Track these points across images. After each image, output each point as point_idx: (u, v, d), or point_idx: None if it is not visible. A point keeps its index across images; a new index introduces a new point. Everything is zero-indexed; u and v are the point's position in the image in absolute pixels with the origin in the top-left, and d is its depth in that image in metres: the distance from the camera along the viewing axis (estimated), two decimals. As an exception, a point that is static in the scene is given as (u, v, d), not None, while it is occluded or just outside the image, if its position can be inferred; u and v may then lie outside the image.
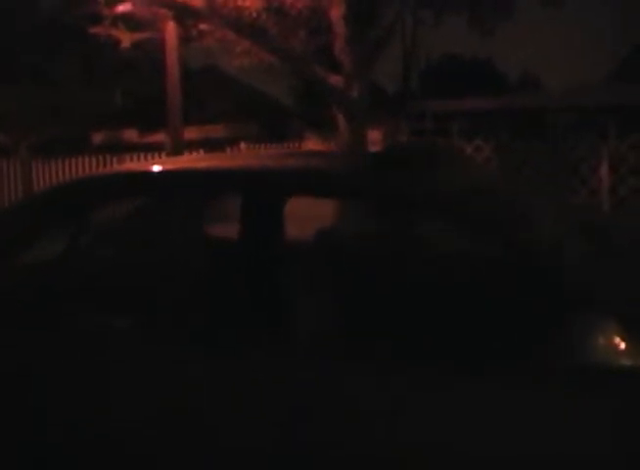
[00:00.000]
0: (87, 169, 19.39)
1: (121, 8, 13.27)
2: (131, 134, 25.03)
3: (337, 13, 13.26)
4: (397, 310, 3.02)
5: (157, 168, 3.54)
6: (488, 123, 22.26)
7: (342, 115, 13.76)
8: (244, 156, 4.91)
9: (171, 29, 14.70)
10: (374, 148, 16.20)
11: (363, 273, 3.29)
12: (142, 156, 20.20)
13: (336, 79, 13.46)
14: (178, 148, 16.04)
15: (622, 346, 2.46)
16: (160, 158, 17.89)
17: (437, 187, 3.06)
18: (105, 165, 19.32)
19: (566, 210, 4.49)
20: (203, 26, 13.63)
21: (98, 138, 25.22)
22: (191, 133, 17.90)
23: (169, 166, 3.74)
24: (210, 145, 20.69)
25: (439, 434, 2.70)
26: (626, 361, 2.48)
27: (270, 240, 2.99)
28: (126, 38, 15.05)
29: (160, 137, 20.48)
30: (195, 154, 16.27)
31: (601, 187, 16.86)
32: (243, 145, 20.10)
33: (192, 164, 3.78)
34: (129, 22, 14.17)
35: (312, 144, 21.34)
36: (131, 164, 4.48)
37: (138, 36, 15.48)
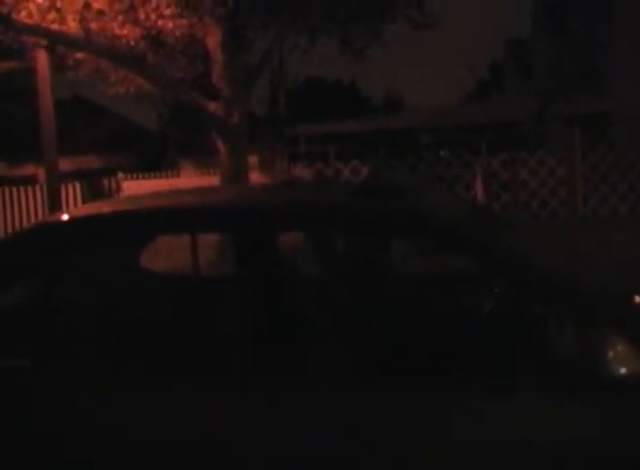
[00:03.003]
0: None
1: (-12, 35, 12.78)
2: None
3: (214, 40, 13.23)
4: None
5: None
6: (361, 145, 22.71)
7: (222, 141, 13.71)
8: (219, 191, 4.62)
9: (43, 58, 14.28)
10: (253, 173, 16.21)
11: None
12: (14, 189, 19.58)
13: (215, 106, 13.42)
14: (53, 181, 15.56)
15: (629, 357, 2.57)
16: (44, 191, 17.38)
17: (428, 211, 3.12)
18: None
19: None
20: (77, 55, 13.32)
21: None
22: (64, 164, 17.42)
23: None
24: (86, 176, 20.23)
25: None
26: (633, 372, 2.59)
27: (270, 275, 2.92)
28: (-7, 67, 14.58)
29: (30, 169, 19.92)
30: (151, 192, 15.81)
31: (476, 203, 17.42)
32: (121, 175, 19.73)
33: (174, 201, 3.53)
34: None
35: (190, 172, 21.20)
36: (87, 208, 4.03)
37: (6, 65, 15.01)
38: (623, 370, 2.64)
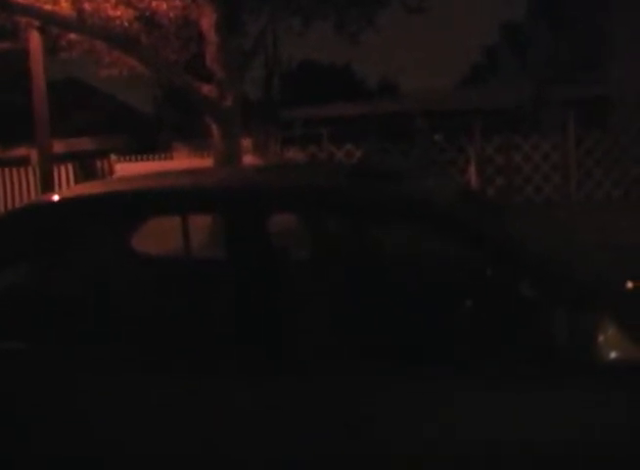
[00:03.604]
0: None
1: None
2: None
3: (208, 22, 13.17)
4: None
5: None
6: (356, 129, 22.65)
7: (215, 124, 13.68)
8: (212, 172, 4.51)
9: (36, 39, 14.18)
10: (246, 156, 16.18)
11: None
12: (7, 170, 19.52)
13: (209, 89, 13.37)
14: (46, 162, 15.50)
15: (620, 342, 2.57)
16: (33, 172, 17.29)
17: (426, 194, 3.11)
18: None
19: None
20: (70, 36, 13.24)
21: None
22: (57, 146, 17.37)
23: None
24: (79, 158, 20.14)
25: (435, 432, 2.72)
26: (625, 357, 2.59)
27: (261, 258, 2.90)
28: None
29: (23, 151, 19.82)
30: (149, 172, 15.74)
31: (470, 187, 17.40)
32: (113, 157, 19.66)
33: (168, 182, 3.50)
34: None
35: (183, 154, 21.13)
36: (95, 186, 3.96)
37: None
38: (614, 355, 2.64)
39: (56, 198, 3.47)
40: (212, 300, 3.25)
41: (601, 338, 2.60)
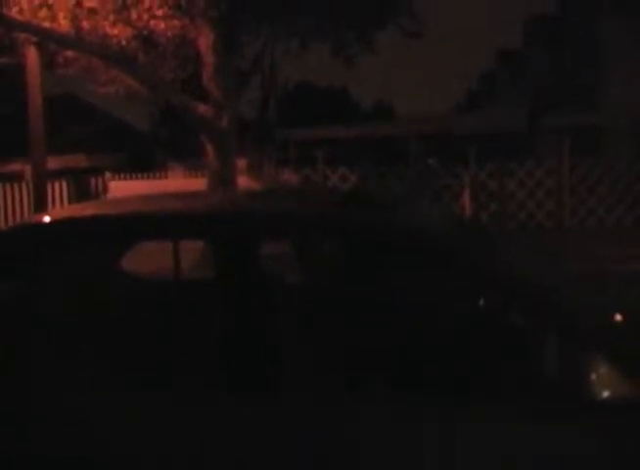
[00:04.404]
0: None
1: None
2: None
3: (205, 42, 13.22)
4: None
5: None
6: (351, 151, 22.71)
7: (210, 144, 13.70)
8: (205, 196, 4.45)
9: (33, 55, 14.19)
10: (241, 176, 16.17)
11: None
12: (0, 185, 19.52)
13: (204, 109, 13.40)
14: (40, 178, 15.46)
15: (613, 379, 2.54)
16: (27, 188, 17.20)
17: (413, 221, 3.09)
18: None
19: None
20: (68, 53, 13.28)
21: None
22: (51, 162, 17.32)
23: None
24: (73, 175, 20.12)
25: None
26: (617, 394, 2.56)
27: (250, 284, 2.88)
28: (-18, 63, 14.50)
29: (17, 166, 19.82)
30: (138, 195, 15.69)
31: (464, 213, 17.42)
32: (108, 175, 19.63)
33: (158, 206, 3.47)
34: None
35: (178, 173, 21.14)
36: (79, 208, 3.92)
37: (-4, 61, 14.93)
38: (603, 390, 2.62)
39: (46, 219, 3.45)
40: (198, 325, 3.22)
41: (589, 372, 2.58)
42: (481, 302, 3.08)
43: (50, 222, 3.38)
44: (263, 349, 2.88)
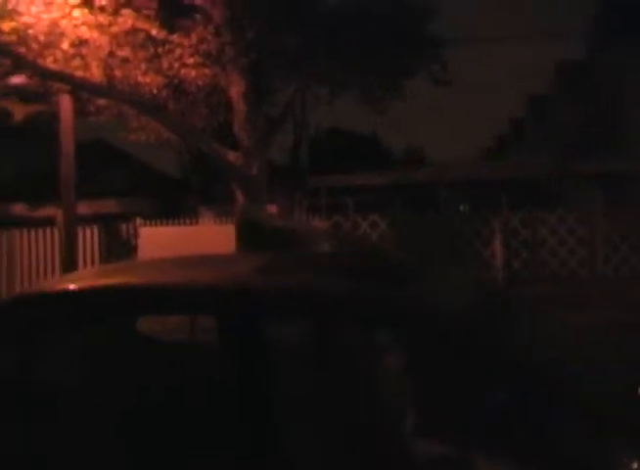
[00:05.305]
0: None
1: (15, 80, 12.91)
2: (20, 208, 24.25)
3: (236, 91, 13.31)
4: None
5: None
6: (381, 198, 22.67)
7: (241, 191, 13.74)
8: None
9: (67, 103, 14.40)
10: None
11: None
12: (32, 231, 19.70)
13: (235, 156, 13.46)
14: (71, 224, 15.59)
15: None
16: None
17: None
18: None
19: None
20: (100, 101, 13.44)
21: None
22: (82, 208, 17.46)
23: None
24: (104, 220, 20.23)
25: None
26: None
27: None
28: (19, 111, 14.71)
29: (50, 211, 19.95)
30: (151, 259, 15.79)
31: (495, 261, 17.27)
32: (139, 220, 19.71)
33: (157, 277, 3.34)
34: (23, 93, 13.84)
35: (209, 219, 21.19)
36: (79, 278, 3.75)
37: (31, 109, 15.15)
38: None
39: (41, 291, 3.39)
40: (195, 402, 3.10)
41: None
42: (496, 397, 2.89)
43: (43, 294, 3.30)
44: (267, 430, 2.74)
